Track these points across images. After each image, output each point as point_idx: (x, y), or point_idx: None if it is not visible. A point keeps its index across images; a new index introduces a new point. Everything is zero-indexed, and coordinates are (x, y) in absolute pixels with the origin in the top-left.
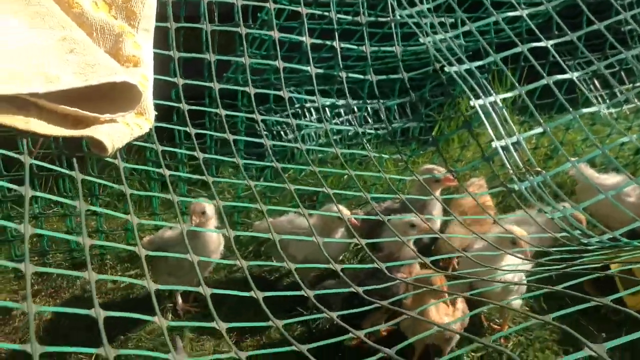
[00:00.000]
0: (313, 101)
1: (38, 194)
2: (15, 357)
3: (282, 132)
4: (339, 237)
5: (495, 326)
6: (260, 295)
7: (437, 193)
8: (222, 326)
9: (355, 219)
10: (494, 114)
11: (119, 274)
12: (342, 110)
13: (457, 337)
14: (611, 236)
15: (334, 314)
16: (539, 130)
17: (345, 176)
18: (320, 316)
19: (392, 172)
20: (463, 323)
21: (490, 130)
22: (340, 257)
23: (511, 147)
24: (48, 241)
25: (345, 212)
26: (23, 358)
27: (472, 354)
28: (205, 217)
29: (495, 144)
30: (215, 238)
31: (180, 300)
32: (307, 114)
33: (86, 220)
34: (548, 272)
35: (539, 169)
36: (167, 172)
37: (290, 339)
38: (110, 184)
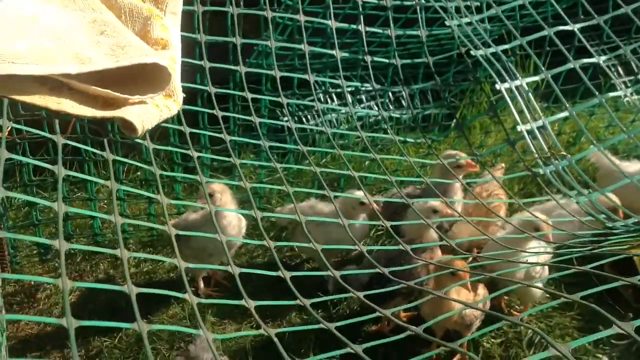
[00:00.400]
0: (336, 87)
1: (70, 172)
2: (41, 339)
3: (303, 118)
4: (360, 224)
5: (516, 313)
6: (287, 274)
7: (459, 186)
8: (251, 304)
9: (377, 204)
10: (519, 98)
11: (142, 258)
12: (363, 97)
13: (478, 323)
14: (636, 220)
15: (360, 294)
16: (565, 114)
17: (367, 162)
18: (345, 296)
19: (414, 157)
20: (484, 308)
21: (515, 114)
22: (361, 244)
23: (536, 131)
24: (72, 226)
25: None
26: (49, 338)
27: (492, 340)
28: (213, 199)
29: (521, 127)
30: (235, 223)
31: (202, 284)
32: (329, 100)
33: (109, 206)
34: (573, 253)
35: (564, 153)
36: (195, 154)
37: (318, 317)
38: (140, 164)
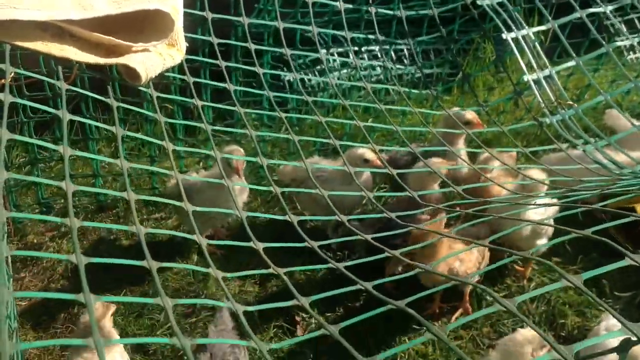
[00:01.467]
0: (338, 45)
1: (74, 117)
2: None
3: (305, 78)
4: (363, 180)
5: (519, 267)
6: (294, 218)
7: (463, 138)
8: (259, 246)
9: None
10: (526, 47)
11: (145, 216)
12: (366, 56)
13: (475, 279)
14: None
15: (368, 236)
16: (571, 63)
17: (370, 120)
18: (352, 238)
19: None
20: (482, 263)
21: (522, 64)
22: (364, 202)
23: (543, 81)
24: (74, 184)
25: (370, 154)
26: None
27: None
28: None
29: (527, 77)
30: (239, 189)
31: (206, 240)
32: (331, 60)
33: (110, 165)
34: (580, 196)
35: (571, 103)
36: (200, 103)
37: (327, 257)
38: (143, 111)
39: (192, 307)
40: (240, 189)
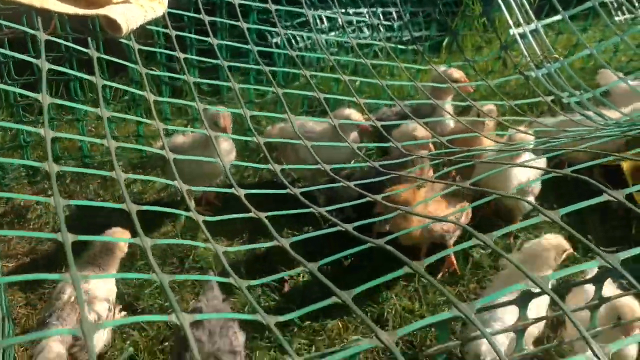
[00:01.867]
0: (326, 6)
1: (54, 67)
2: (34, 259)
3: (292, 40)
4: (351, 139)
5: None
6: (277, 167)
7: (450, 97)
8: (241, 192)
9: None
10: (512, 1)
11: (132, 180)
12: (354, 19)
13: (457, 231)
14: (628, 118)
15: (351, 183)
16: (558, 17)
17: (357, 83)
18: (336, 185)
19: (405, 73)
20: (467, 217)
21: (508, 18)
22: (352, 161)
23: (529, 35)
24: (60, 148)
25: (356, 115)
26: (41, 258)
27: (481, 250)
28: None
29: (513, 31)
30: (227, 144)
31: (193, 204)
32: (319, 22)
33: (97, 129)
34: (568, 138)
35: (557, 56)
36: (182, 55)
37: (309, 203)
38: (126, 63)
39: (180, 267)
40: (227, 149)
